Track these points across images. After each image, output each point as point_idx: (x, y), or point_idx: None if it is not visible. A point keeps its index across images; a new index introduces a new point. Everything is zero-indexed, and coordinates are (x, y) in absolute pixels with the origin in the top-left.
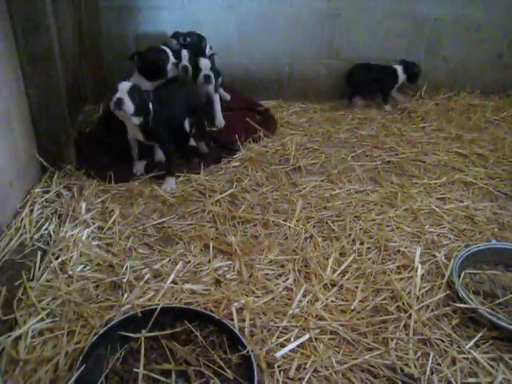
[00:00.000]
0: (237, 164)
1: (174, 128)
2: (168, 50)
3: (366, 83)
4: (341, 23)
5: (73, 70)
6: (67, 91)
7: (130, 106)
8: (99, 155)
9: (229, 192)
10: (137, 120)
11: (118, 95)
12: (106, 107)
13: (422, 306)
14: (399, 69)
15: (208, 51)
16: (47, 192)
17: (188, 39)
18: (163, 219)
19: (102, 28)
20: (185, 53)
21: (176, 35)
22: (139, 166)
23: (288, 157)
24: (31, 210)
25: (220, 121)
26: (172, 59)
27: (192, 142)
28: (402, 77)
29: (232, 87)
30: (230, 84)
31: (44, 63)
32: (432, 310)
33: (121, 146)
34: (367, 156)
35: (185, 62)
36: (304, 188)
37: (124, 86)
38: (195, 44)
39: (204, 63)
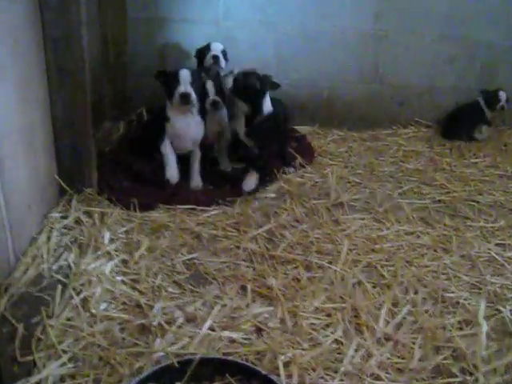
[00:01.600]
0: (273, 195)
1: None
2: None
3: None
4: (386, 45)
5: (94, 86)
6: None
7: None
8: (121, 179)
9: (266, 228)
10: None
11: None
12: (130, 125)
13: (490, 369)
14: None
15: (222, 65)
16: (65, 217)
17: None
18: (193, 255)
19: (127, 40)
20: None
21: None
22: (174, 172)
23: (328, 190)
24: (48, 237)
25: (225, 165)
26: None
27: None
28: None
29: None
30: None
31: (73, 77)
32: (501, 375)
33: (146, 170)
34: (415, 193)
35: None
36: (348, 227)
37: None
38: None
39: (209, 84)
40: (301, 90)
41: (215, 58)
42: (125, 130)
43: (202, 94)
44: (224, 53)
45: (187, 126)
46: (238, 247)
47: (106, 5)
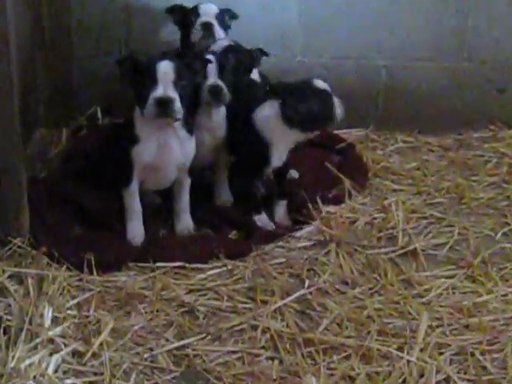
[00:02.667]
0: (307, 244)
1: None
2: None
3: None
4: (476, 1)
5: (21, 76)
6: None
7: None
8: (69, 223)
9: (297, 295)
10: None
11: None
12: (77, 134)
13: None
14: None
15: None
16: None
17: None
18: (185, 341)
19: (71, 8)
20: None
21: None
22: (138, 230)
23: (393, 232)
24: None
25: (225, 198)
26: None
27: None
28: None
29: None
30: None
31: None
32: None
33: (107, 209)
34: None
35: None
36: (427, 290)
37: None
38: None
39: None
40: (343, 73)
41: (207, 26)
42: (69, 143)
43: (194, 95)
44: (221, 17)
45: (169, 150)
46: (255, 327)
47: None
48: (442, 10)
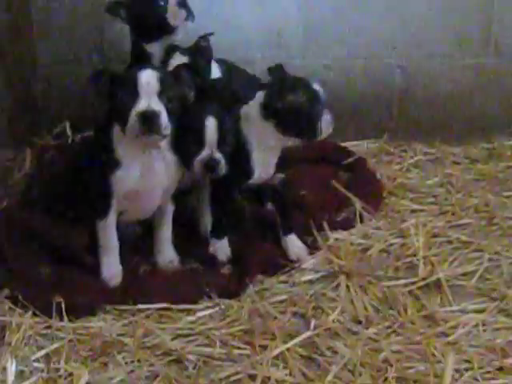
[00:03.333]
0: (313, 277)
1: None
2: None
3: None
4: None
5: None
6: None
7: None
8: (35, 261)
9: (302, 338)
10: None
11: None
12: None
13: None
14: None
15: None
16: None
17: None
18: None
19: (34, 5)
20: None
21: None
22: (115, 268)
23: (413, 260)
24: None
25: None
26: None
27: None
28: None
29: None
30: None
31: None
32: None
33: (77, 244)
34: None
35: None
36: (453, 327)
37: None
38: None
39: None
40: (350, 76)
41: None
42: (34, 166)
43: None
44: None
45: (154, 174)
46: (253, 377)
47: None
48: (462, 2)
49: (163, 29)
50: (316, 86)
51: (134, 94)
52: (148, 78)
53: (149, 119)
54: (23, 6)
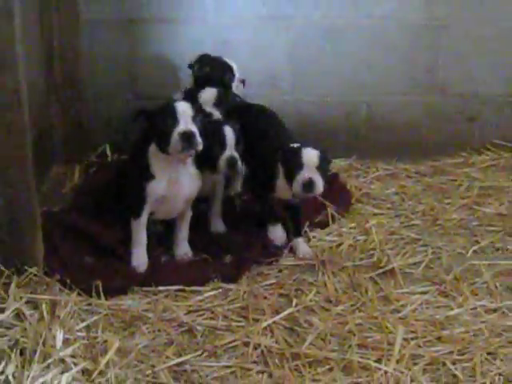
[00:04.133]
0: (293, 264)
1: None
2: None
3: None
4: (446, 40)
5: (37, 117)
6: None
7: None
8: (80, 253)
9: (285, 313)
10: None
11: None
12: (88, 170)
13: None
14: None
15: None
16: (1, 311)
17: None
18: (183, 358)
19: (81, 53)
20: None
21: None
22: (143, 258)
23: (374, 253)
24: None
25: (218, 226)
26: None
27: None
28: None
29: None
30: None
31: (6, 113)
32: None
33: (114, 239)
34: (498, 250)
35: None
36: (403, 306)
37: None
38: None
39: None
40: (328, 109)
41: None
42: (82, 178)
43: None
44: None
45: (180, 185)
46: (247, 344)
47: (50, 5)
48: (415, 49)
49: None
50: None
51: (174, 119)
52: (184, 107)
53: (188, 137)
54: (74, 52)
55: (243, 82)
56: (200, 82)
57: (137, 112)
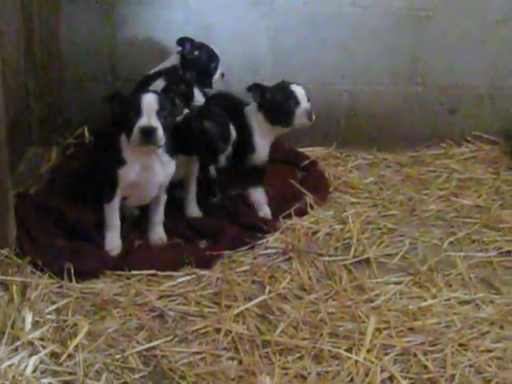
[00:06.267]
0: (269, 252)
1: None
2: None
3: None
4: (429, 31)
5: (15, 97)
6: (6, 129)
7: None
8: (53, 234)
9: (258, 300)
10: None
11: None
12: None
13: None
14: None
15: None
16: None
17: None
18: (154, 343)
19: (61, 34)
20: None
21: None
22: (116, 242)
23: (349, 242)
24: None
25: (193, 210)
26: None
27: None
28: None
29: None
30: None
31: None
32: None
33: (87, 221)
34: (474, 242)
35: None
36: (377, 295)
37: None
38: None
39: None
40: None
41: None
42: (59, 160)
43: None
44: None
45: (152, 171)
46: (218, 330)
47: None
48: (397, 40)
49: None
50: (294, 87)
51: (138, 112)
52: (149, 100)
53: (148, 133)
54: (54, 32)
55: (223, 75)
56: (186, 63)
57: (113, 94)
